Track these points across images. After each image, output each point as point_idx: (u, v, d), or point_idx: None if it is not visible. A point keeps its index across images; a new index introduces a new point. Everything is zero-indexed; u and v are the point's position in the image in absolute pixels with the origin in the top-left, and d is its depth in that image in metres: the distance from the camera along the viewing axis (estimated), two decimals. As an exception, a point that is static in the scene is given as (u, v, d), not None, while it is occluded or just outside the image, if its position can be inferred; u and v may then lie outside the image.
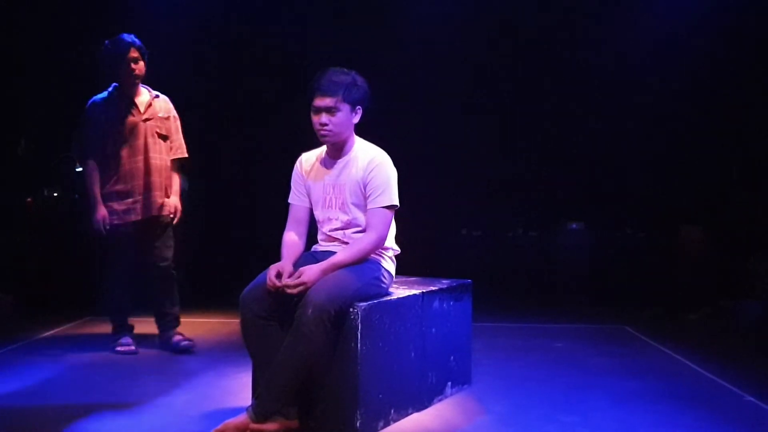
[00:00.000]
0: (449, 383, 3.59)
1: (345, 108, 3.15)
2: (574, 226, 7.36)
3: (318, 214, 3.32)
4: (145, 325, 4.68)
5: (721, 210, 6.61)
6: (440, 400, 3.52)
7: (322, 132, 3.17)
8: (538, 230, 7.49)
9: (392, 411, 3.19)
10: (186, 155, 4.52)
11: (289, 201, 3.37)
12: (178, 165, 4.50)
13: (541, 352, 4.56)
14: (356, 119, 3.21)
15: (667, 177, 6.99)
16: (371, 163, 3.19)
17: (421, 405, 3.39)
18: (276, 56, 7.00)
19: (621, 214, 7.28)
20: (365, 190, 3.19)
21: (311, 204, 3.33)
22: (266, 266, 3.14)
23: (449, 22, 6.93)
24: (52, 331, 4.97)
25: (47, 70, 6.75)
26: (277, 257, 3.21)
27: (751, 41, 6.44)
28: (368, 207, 3.19)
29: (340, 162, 3.25)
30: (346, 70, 3.21)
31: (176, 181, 4.47)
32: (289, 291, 2.98)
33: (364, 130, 3.35)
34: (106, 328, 4.76)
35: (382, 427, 3.13)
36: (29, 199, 6.97)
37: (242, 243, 6.95)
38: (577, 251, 7.25)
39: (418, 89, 7.12)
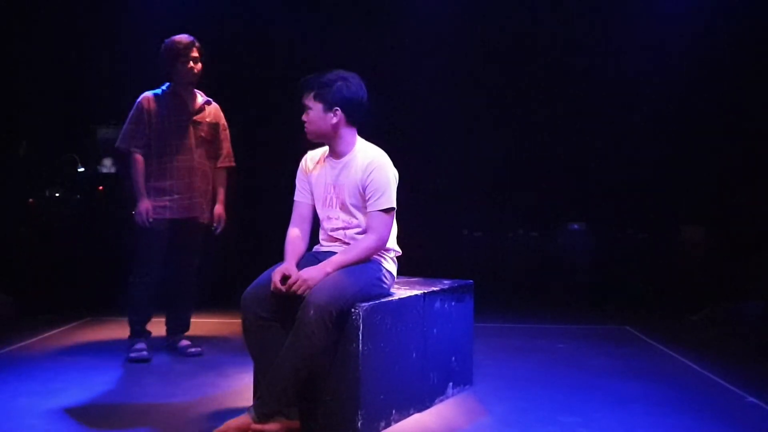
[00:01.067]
0: (450, 384, 3.59)
1: (317, 107, 3.17)
2: (575, 226, 7.37)
3: (320, 212, 3.33)
4: (151, 326, 4.68)
5: (722, 210, 6.62)
6: (441, 401, 3.51)
7: (304, 128, 3.25)
8: (539, 230, 7.50)
9: (393, 411, 3.19)
10: (233, 164, 4.50)
11: (295, 198, 3.37)
12: (225, 174, 4.47)
13: (543, 352, 4.55)
14: (334, 120, 3.18)
15: (668, 177, 7.00)
16: (370, 166, 3.19)
17: (423, 405, 3.39)
18: (280, 55, 7.00)
19: (622, 214, 7.29)
20: (365, 193, 3.19)
21: (314, 202, 3.35)
22: (268, 266, 3.15)
23: (451, 23, 6.94)
24: (52, 332, 4.97)
25: (48, 71, 6.76)
26: (279, 257, 3.21)
27: (751, 42, 6.44)
28: (368, 210, 3.19)
29: (340, 162, 3.26)
30: (340, 72, 3.20)
31: (222, 189, 4.44)
32: (292, 289, 2.99)
33: (365, 131, 3.36)
34: (107, 329, 4.78)
35: (384, 428, 3.13)
36: (31, 200, 6.98)
37: (244, 242, 6.95)
38: (578, 251, 7.26)
39: (420, 89, 7.12)
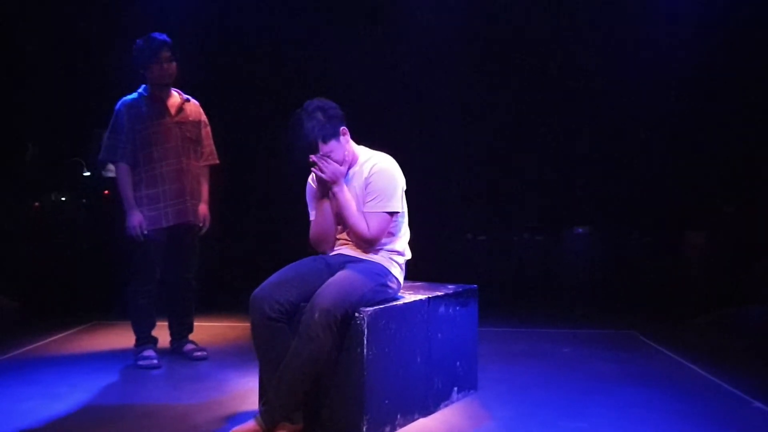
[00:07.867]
0: (455, 388, 3.59)
1: (333, 144, 3.18)
2: (579, 230, 7.35)
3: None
4: (155, 331, 4.69)
5: (726, 215, 6.61)
6: (446, 406, 3.51)
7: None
8: (544, 234, 7.48)
9: (398, 416, 3.20)
10: (217, 162, 4.45)
11: (311, 219, 3.36)
12: (208, 172, 4.43)
13: (548, 357, 4.55)
14: (346, 139, 3.24)
15: (671, 182, 6.99)
16: (373, 168, 3.24)
17: (427, 410, 3.39)
18: (283, 62, 7.02)
19: (626, 218, 7.27)
20: (365, 192, 3.23)
21: None
22: (276, 269, 3.17)
23: (452, 26, 6.94)
24: (57, 336, 4.98)
25: (53, 75, 6.78)
26: (287, 259, 3.25)
27: (751, 47, 6.42)
28: (365, 210, 3.21)
29: (348, 174, 3.28)
30: (309, 110, 3.16)
31: (205, 188, 4.38)
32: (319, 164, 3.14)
33: (369, 136, 3.37)
34: (113, 333, 4.77)
35: (389, 433, 3.14)
36: (36, 204, 7.00)
37: (251, 246, 6.96)
38: (583, 255, 7.25)
39: (422, 94, 7.13)
